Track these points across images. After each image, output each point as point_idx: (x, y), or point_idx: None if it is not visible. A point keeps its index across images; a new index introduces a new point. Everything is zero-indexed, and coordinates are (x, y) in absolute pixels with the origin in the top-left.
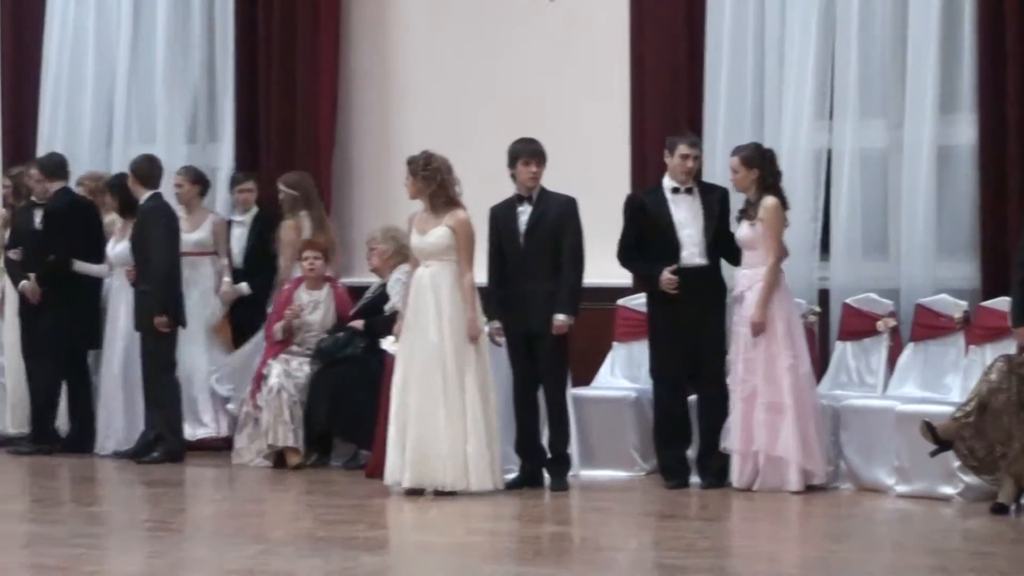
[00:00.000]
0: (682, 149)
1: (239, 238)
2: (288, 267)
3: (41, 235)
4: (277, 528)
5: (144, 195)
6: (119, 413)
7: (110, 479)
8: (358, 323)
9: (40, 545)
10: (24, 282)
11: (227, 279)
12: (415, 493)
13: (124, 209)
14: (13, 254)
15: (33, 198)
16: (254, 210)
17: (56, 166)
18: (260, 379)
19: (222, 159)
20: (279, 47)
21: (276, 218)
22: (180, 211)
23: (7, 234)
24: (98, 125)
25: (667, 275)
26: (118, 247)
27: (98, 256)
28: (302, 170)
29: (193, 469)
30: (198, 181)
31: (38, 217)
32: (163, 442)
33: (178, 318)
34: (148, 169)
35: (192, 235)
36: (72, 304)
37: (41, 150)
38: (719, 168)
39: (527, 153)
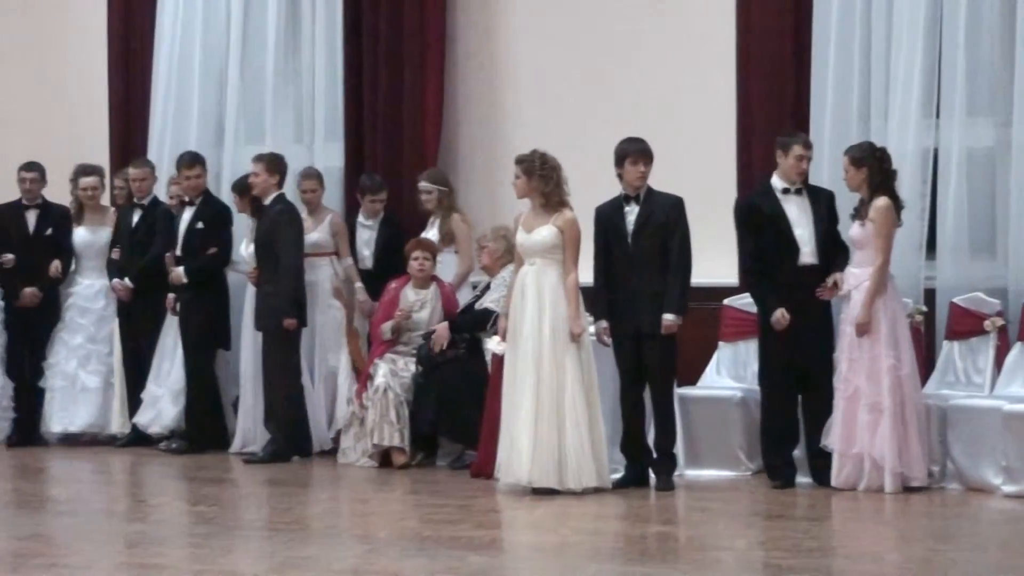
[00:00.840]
0: (797, 150)
1: (368, 242)
2: (470, 260)
3: (202, 233)
4: (383, 528)
5: (272, 194)
6: (252, 413)
7: (222, 479)
8: (442, 325)
9: (147, 544)
10: (116, 280)
11: (359, 284)
12: (539, 491)
13: (256, 210)
14: (169, 257)
15: (185, 198)
16: (380, 216)
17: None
18: (367, 379)
19: (330, 159)
20: (386, 47)
21: (412, 218)
22: (302, 211)
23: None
24: (207, 126)
25: (779, 315)
26: (249, 248)
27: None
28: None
29: (299, 469)
30: (322, 184)
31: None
32: (273, 442)
33: (303, 319)
34: (282, 169)
35: (311, 235)
36: (221, 303)
37: (151, 151)
38: (825, 168)
39: (634, 152)
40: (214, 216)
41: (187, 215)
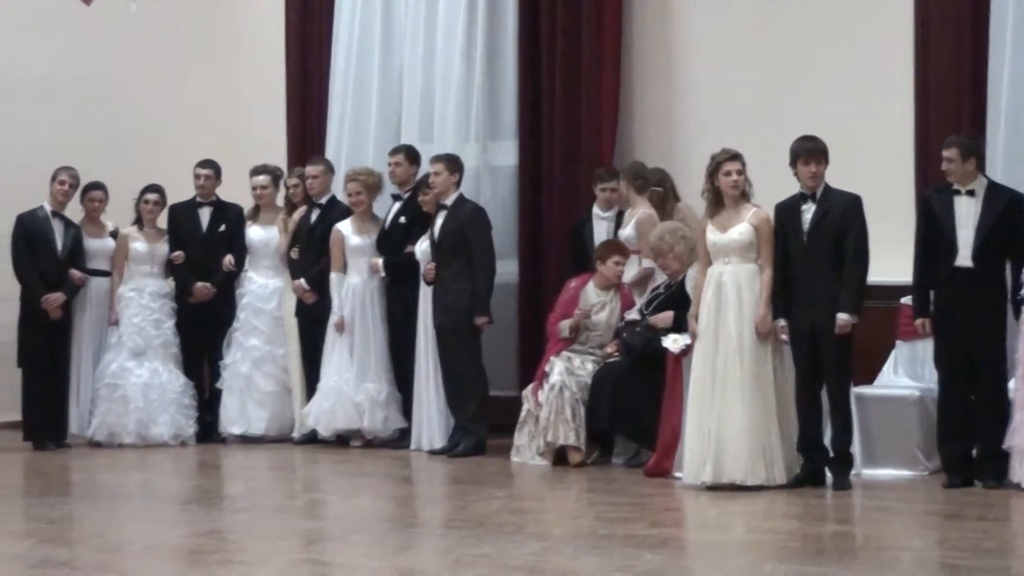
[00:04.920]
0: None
1: (606, 234)
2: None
3: (403, 229)
4: (558, 526)
5: (453, 194)
6: (434, 410)
7: (399, 475)
8: (667, 314)
9: (323, 541)
10: (299, 282)
11: (586, 286)
12: (715, 489)
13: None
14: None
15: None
16: (615, 208)
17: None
18: (542, 376)
19: (504, 157)
20: (562, 45)
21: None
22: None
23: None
24: (385, 125)
25: (918, 323)
26: (423, 244)
27: None
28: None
29: (473, 466)
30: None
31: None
32: (468, 435)
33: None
34: (461, 168)
35: None
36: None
37: (329, 150)
38: (999, 166)
39: (806, 152)
40: (419, 211)
41: (394, 209)
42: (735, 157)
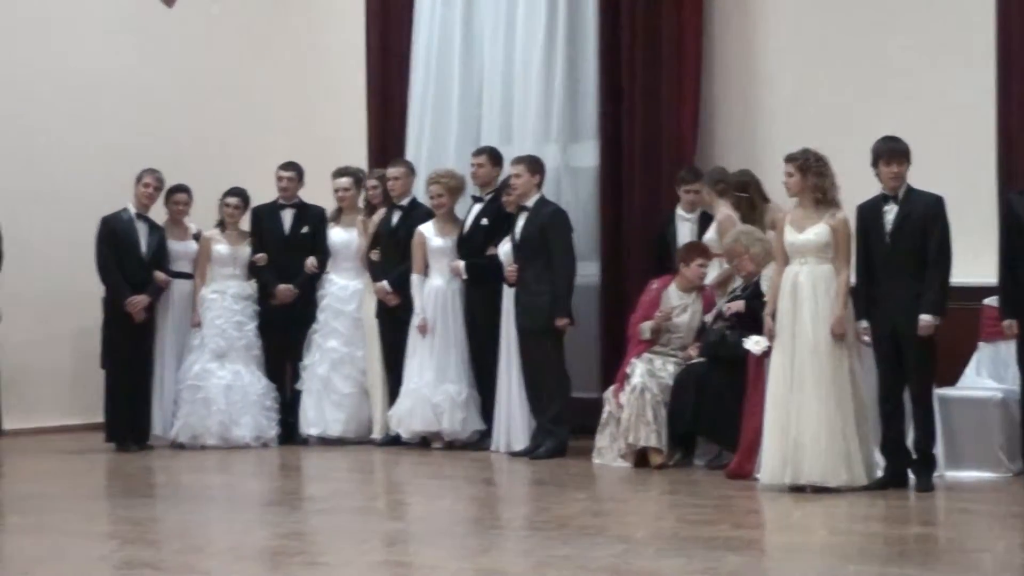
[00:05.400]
0: None
1: (689, 236)
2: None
3: (485, 231)
4: (640, 527)
5: (534, 195)
6: (516, 412)
7: (480, 477)
8: (736, 306)
9: (405, 543)
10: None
11: (667, 288)
12: (795, 490)
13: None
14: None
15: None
16: (699, 209)
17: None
18: (623, 378)
19: (584, 159)
20: (643, 45)
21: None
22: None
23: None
24: (466, 126)
25: (1006, 325)
26: (505, 246)
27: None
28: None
29: (555, 468)
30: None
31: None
32: (549, 437)
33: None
34: (542, 169)
35: None
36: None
37: (409, 152)
38: None
39: (888, 152)
40: (500, 213)
41: (475, 211)
42: (788, 159)
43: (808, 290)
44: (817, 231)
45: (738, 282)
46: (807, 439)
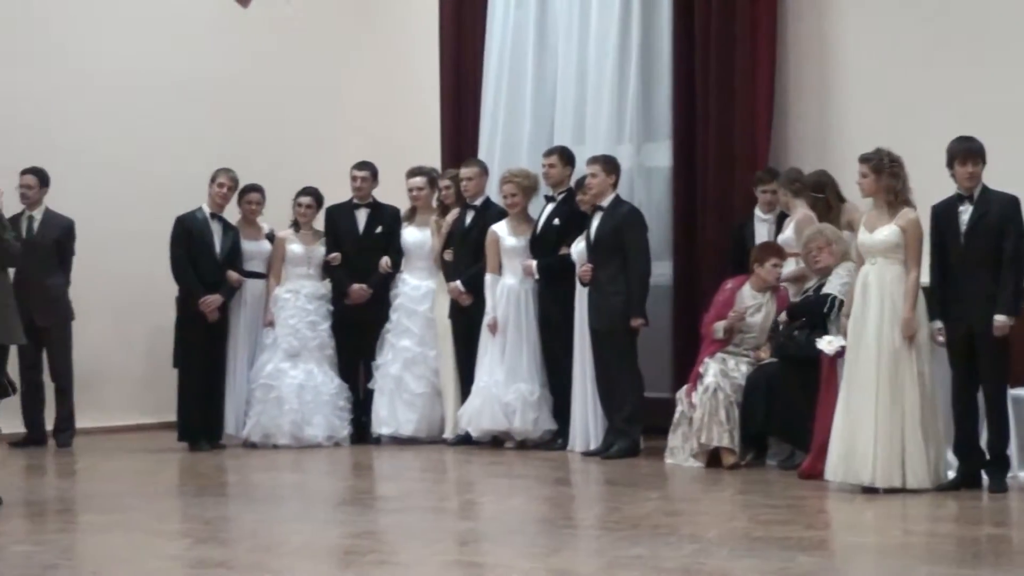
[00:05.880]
0: None
1: (767, 236)
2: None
3: (557, 231)
4: (712, 528)
5: (609, 195)
6: (589, 412)
7: (552, 477)
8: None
9: (477, 542)
10: (454, 284)
11: (741, 288)
12: (868, 491)
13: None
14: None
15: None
16: (776, 210)
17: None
18: (696, 378)
19: (658, 159)
20: (716, 45)
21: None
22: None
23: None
24: (539, 126)
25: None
26: (579, 246)
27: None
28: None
29: (627, 468)
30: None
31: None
32: (622, 437)
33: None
34: (618, 169)
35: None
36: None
37: (482, 152)
38: None
39: (963, 152)
40: (572, 213)
41: (547, 210)
42: (862, 159)
43: (876, 290)
44: (887, 231)
45: (812, 281)
46: (862, 441)
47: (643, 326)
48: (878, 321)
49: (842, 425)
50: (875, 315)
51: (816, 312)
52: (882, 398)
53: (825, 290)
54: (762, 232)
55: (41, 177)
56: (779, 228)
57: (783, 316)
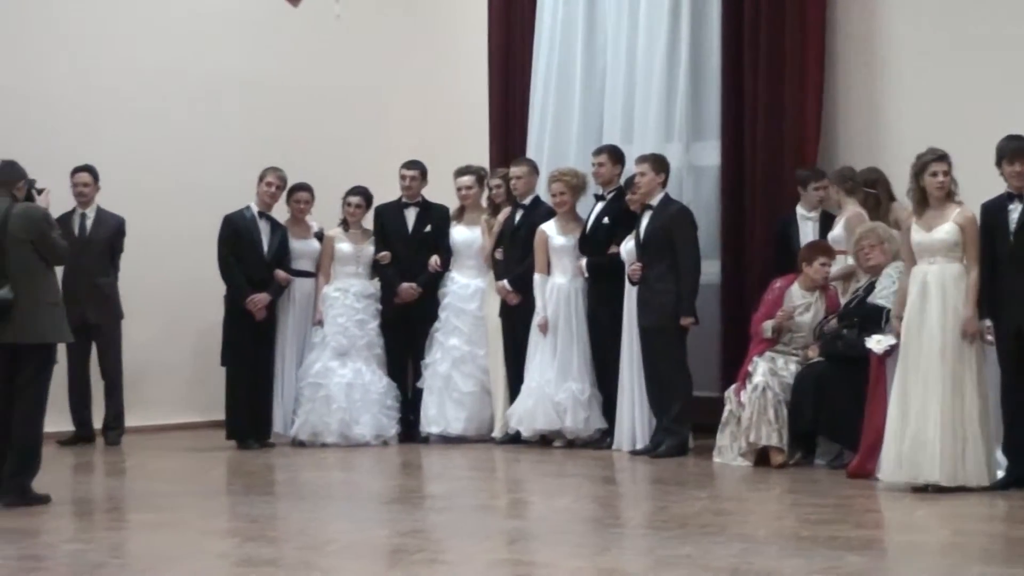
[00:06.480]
0: None
1: (812, 235)
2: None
3: (607, 229)
4: (760, 527)
5: (658, 194)
6: (637, 411)
7: (600, 476)
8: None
9: (525, 541)
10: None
11: (790, 287)
12: (917, 490)
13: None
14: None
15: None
16: (820, 208)
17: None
18: (745, 377)
19: (707, 158)
20: (766, 44)
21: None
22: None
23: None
24: (587, 125)
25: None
26: (628, 244)
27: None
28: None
29: (675, 467)
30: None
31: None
32: (670, 436)
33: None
34: (667, 168)
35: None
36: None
37: (530, 151)
38: None
39: (1012, 151)
40: (622, 212)
41: (597, 209)
42: (942, 158)
43: (937, 289)
44: (947, 230)
45: (862, 280)
46: (928, 439)
47: (693, 324)
48: (941, 320)
49: (899, 425)
50: (937, 314)
51: (873, 322)
52: (946, 397)
53: (876, 295)
54: (807, 231)
55: (94, 175)
56: (824, 226)
57: (832, 322)
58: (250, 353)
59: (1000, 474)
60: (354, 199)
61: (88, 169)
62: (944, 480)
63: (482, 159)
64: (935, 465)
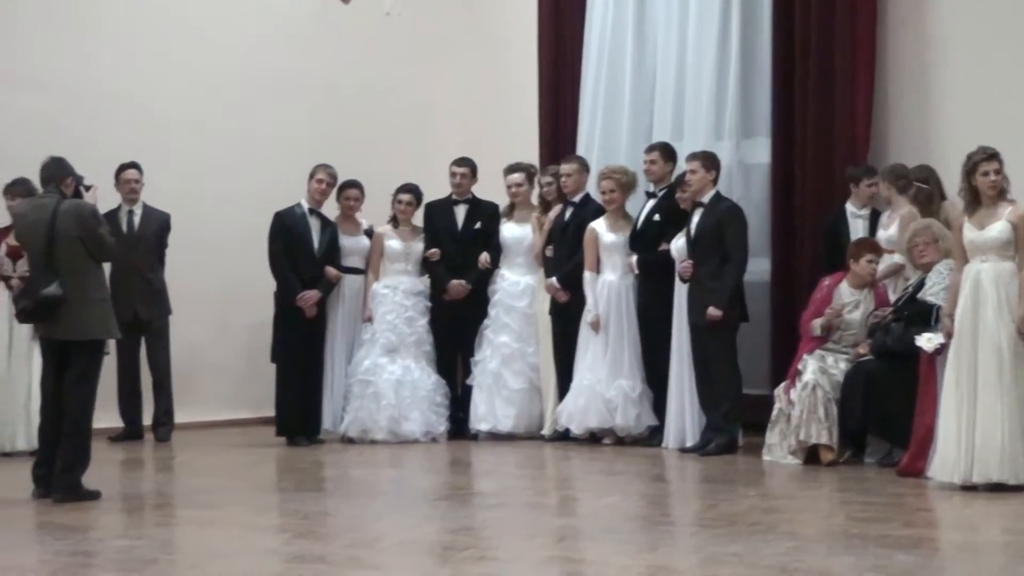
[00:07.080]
0: None
1: (861, 232)
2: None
3: (658, 227)
4: (809, 525)
5: (709, 191)
6: (687, 408)
7: (649, 474)
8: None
9: (574, 538)
10: (551, 281)
11: (839, 285)
12: (967, 488)
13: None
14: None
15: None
16: (870, 205)
17: None
18: (795, 375)
19: (757, 155)
20: (816, 43)
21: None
22: None
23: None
24: (637, 123)
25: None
26: (679, 241)
27: None
28: (843, 167)
29: (725, 465)
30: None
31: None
32: (720, 433)
33: (744, 315)
34: (718, 165)
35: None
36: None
37: (580, 148)
38: None
39: None
40: (673, 209)
41: (648, 206)
42: (993, 156)
43: (990, 288)
44: (999, 228)
45: (912, 278)
46: (986, 438)
47: (718, 319)
48: (996, 318)
49: (955, 424)
50: (993, 313)
51: (924, 319)
52: (1007, 396)
53: (927, 292)
54: (857, 228)
55: (141, 171)
56: (873, 224)
57: (886, 315)
58: (300, 350)
59: None
60: (404, 196)
61: (135, 166)
62: (1005, 479)
63: (531, 156)
64: (995, 464)
